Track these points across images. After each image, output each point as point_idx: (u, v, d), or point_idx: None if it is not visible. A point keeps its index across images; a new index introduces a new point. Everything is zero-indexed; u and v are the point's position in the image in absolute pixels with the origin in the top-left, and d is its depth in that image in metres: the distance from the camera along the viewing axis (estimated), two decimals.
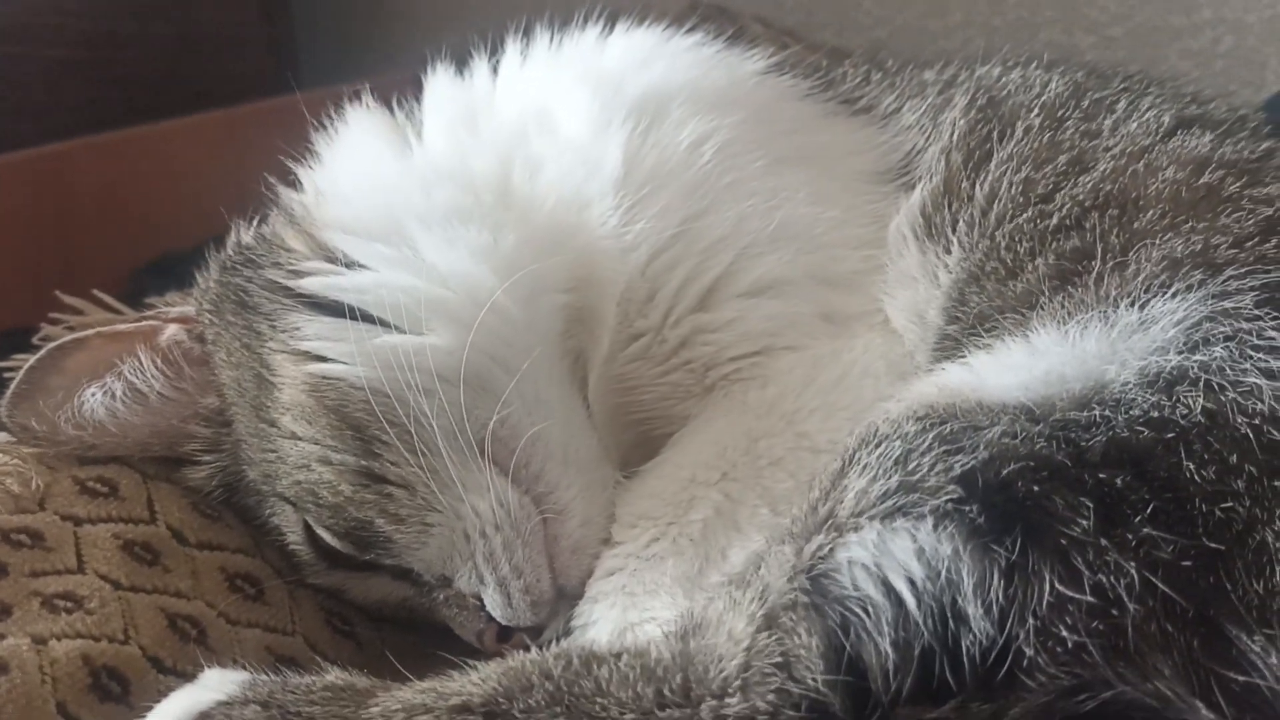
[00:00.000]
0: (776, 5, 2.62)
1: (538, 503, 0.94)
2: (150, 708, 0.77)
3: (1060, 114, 1.04)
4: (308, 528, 0.99)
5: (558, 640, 0.90)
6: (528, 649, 0.78)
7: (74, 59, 2.71)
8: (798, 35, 2.28)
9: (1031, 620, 0.65)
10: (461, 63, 1.15)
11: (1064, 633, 0.65)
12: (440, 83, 1.12)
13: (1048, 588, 0.66)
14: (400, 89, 1.15)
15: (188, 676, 0.80)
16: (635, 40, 1.13)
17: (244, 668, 0.80)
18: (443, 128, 1.08)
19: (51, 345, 0.98)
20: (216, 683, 0.76)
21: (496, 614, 0.93)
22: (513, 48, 1.14)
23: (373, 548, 0.96)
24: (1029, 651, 0.65)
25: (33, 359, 0.99)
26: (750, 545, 0.84)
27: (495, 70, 1.13)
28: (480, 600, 0.94)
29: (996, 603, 0.65)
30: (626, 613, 0.87)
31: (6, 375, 1.04)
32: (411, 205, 0.99)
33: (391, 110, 1.13)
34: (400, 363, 0.90)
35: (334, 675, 0.76)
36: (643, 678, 0.70)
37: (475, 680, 0.72)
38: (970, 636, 0.65)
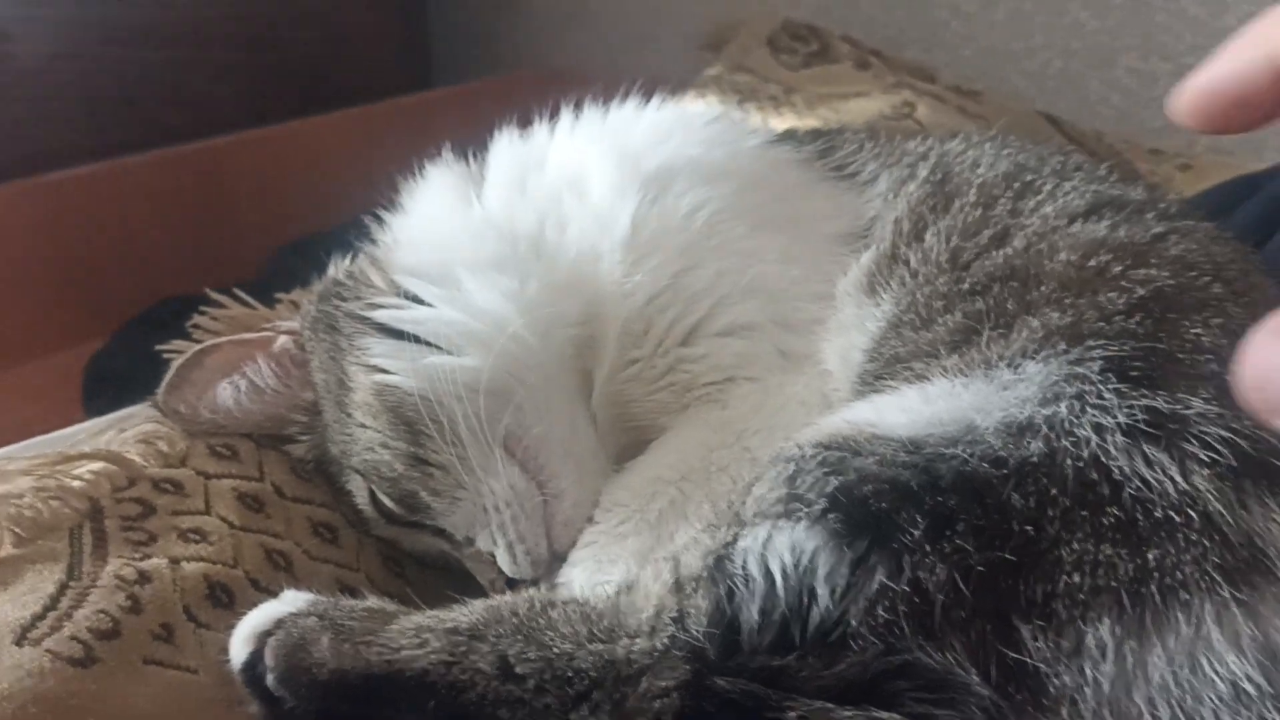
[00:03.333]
0: (867, 22, 2.61)
1: (540, 487, 1.07)
2: (245, 614, 0.90)
3: (994, 193, 1.10)
4: (372, 493, 1.14)
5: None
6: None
7: (233, 61, 2.86)
8: (884, 55, 2.29)
9: (862, 601, 0.77)
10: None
11: (881, 612, 0.76)
12: (503, 144, 1.28)
13: (876, 579, 0.77)
14: (527, 87, 1.27)
15: (275, 594, 0.92)
16: (660, 117, 1.27)
17: (316, 592, 0.92)
18: (499, 186, 1.22)
19: (196, 349, 1.16)
20: (291, 599, 0.90)
21: (505, 569, 1.07)
22: (567, 115, 1.30)
23: (418, 512, 1.11)
24: (854, 623, 0.77)
25: (182, 358, 1.15)
26: (691, 531, 0.92)
27: (551, 133, 1.26)
28: (493, 557, 1.08)
29: (839, 587, 0.77)
30: (593, 576, 1.01)
31: (165, 355, 1.20)
32: (463, 255, 1.14)
33: (467, 161, 1.30)
34: (441, 377, 1.05)
35: (371, 600, 0.90)
36: (580, 620, 0.83)
37: (465, 612, 0.85)
38: (816, 609, 0.77)
